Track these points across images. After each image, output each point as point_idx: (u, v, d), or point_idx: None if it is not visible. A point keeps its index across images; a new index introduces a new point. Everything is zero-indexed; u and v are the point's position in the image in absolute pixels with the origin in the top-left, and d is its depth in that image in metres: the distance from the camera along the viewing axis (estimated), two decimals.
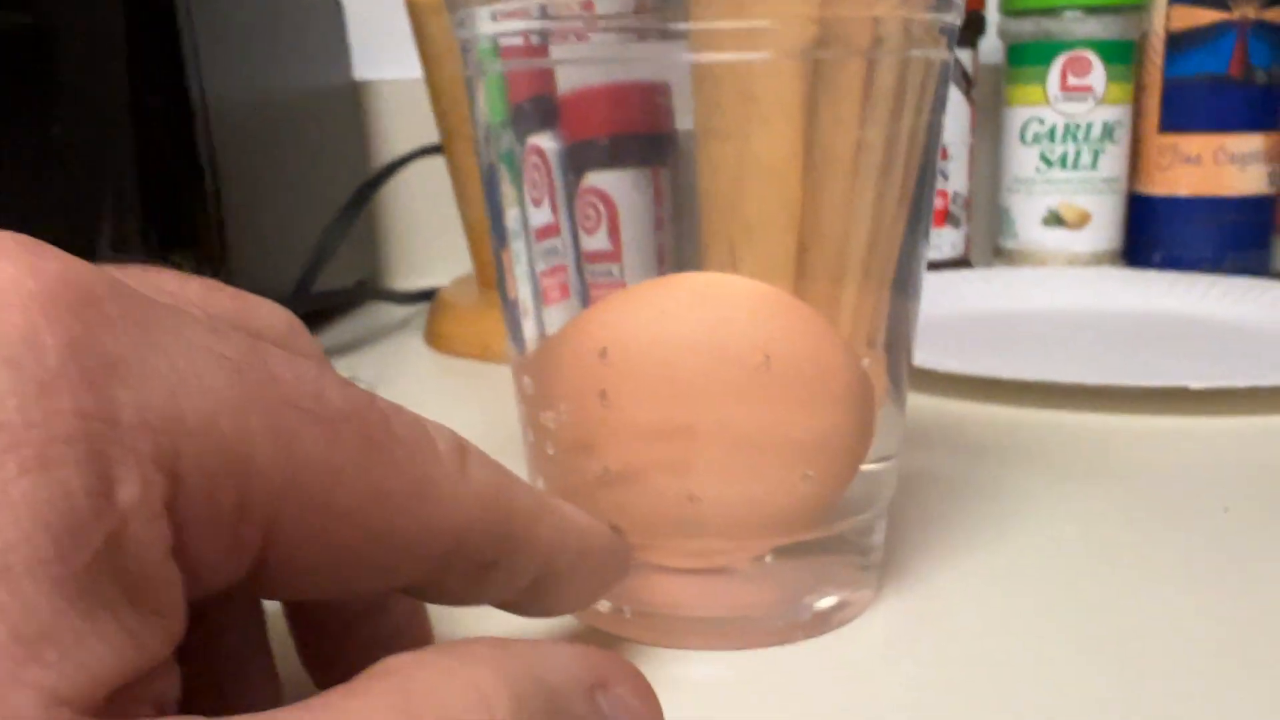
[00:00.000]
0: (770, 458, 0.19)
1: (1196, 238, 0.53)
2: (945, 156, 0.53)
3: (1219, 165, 0.52)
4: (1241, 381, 0.31)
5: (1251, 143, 0.51)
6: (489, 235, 0.22)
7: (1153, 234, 0.54)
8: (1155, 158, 0.53)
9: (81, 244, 0.37)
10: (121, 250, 0.37)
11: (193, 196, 0.39)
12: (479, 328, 0.44)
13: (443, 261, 0.62)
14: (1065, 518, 0.25)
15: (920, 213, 0.20)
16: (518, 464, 0.31)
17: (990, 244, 0.58)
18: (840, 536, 0.20)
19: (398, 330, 0.49)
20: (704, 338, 0.18)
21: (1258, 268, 0.53)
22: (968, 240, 0.55)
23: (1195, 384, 0.31)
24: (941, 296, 0.49)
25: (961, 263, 0.55)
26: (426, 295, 0.53)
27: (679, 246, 0.20)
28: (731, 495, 0.19)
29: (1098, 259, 0.54)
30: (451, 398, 0.39)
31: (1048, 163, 0.53)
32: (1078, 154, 0.52)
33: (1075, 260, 0.53)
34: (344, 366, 0.42)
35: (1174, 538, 0.24)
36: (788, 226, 0.19)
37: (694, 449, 0.19)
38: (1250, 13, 0.50)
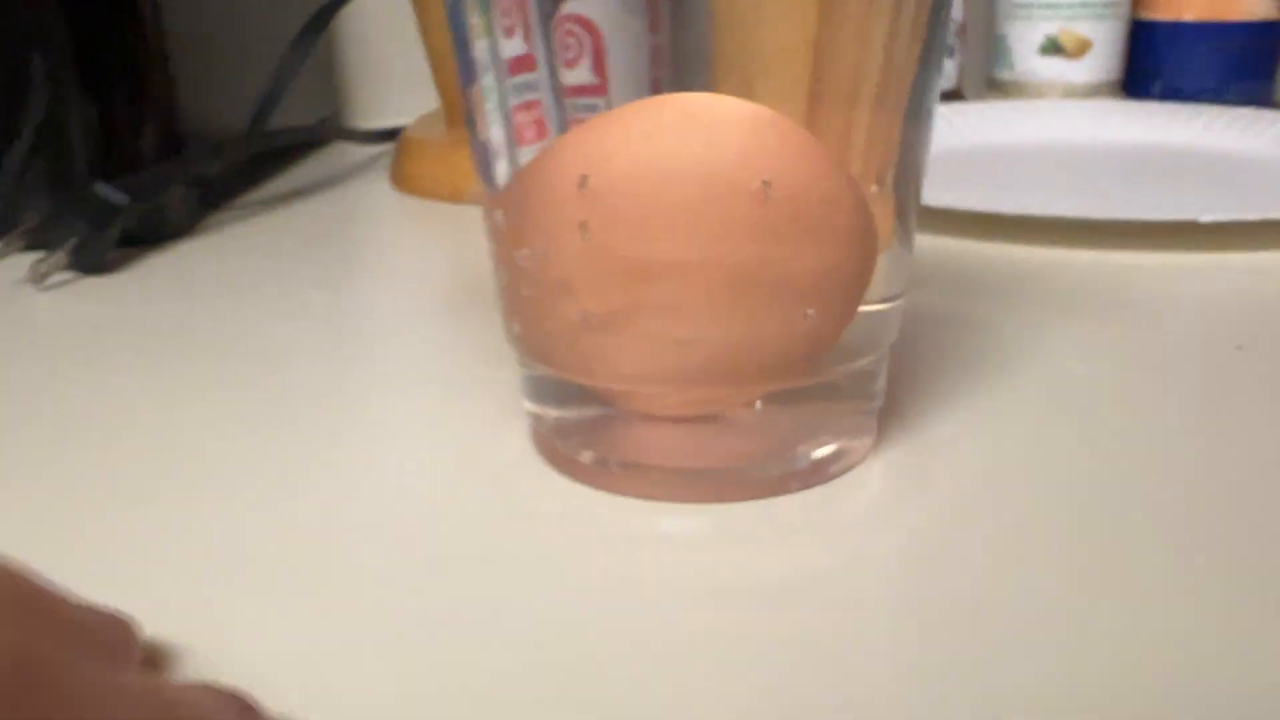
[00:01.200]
0: (767, 296, 0.17)
1: (1199, 66, 0.50)
2: None
3: None
4: (1252, 214, 0.30)
5: None
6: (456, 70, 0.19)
7: (1154, 62, 0.51)
8: None
9: (10, 85, 0.34)
10: (56, 92, 0.34)
11: (130, 26, 0.36)
12: (448, 167, 0.41)
13: (410, 97, 0.58)
14: (1068, 358, 0.24)
15: (934, 39, 0.18)
16: (489, 310, 0.29)
17: (984, 76, 0.55)
18: (839, 382, 0.19)
19: (362, 171, 0.46)
20: (694, 163, 0.16)
21: (1262, 98, 0.51)
22: (961, 71, 0.52)
23: (1205, 217, 0.30)
24: (933, 131, 0.47)
25: (954, 95, 0.52)
26: (392, 134, 0.51)
27: (680, 80, 0.17)
28: (725, 338, 0.17)
29: (1096, 90, 0.51)
30: (418, 241, 0.37)
31: None
32: None
33: (1072, 91, 0.51)
34: (306, 210, 0.40)
35: (1183, 377, 0.23)
36: (805, 54, 0.17)
37: (684, 287, 0.17)
38: None
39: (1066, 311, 0.27)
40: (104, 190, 0.33)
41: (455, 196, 0.41)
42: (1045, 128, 0.48)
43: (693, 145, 0.17)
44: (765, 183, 0.16)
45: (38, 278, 0.31)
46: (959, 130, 0.47)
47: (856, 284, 0.18)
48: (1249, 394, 0.22)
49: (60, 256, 0.31)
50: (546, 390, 0.20)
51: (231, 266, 0.33)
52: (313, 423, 0.22)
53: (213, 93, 0.40)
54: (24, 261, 0.32)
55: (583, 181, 0.17)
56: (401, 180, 0.43)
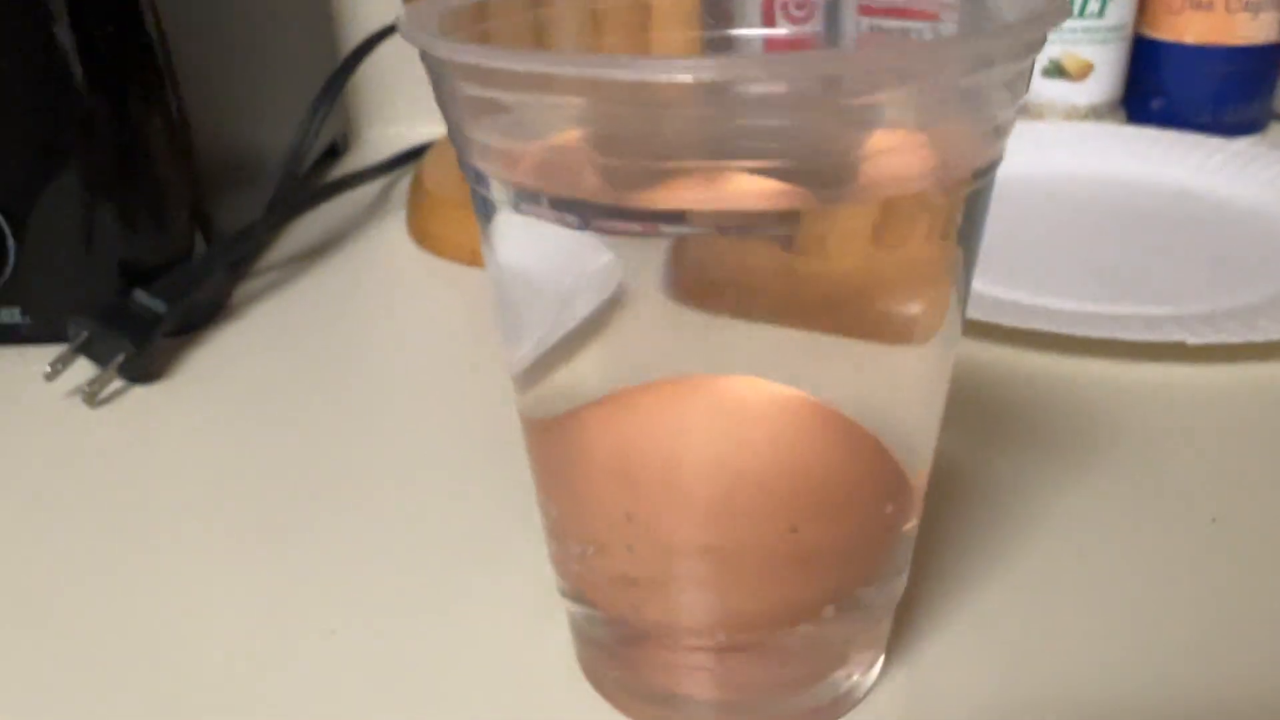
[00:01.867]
0: (801, 568, 0.19)
1: (1199, 88, 0.51)
2: (938, 18, 0.50)
3: (1231, 13, 0.49)
4: (1237, 337, 0.31)
5: None
6: None
7: (1154, 80, 0.52)
8: (1166, 0, 0.50)
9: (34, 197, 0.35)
10: (87, 201, 0.35)
11: (152, 117, 0.36)
12: (466, 230, 0.42)
13: (418, 102, 0.59)
14: (1070, 527, 0.26)
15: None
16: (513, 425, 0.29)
17: None
18: (864, 605, 0.21)
19: (378, 214, 0.47)
20: (725, 462, 0.18)
21: (1259, 118, 0.52)
22: None
23: (1191, 340, 0.31)
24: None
25: None
26: (405, 158, 0.51)
27: None
28: (761, 601, 0.19)
29: (1097, 111, 0.52)
30: (442, 306, 0.39)
31: None
32: (1085, 2, 0.49)
33: (1074, 113, 0.52)
34: (328, 275, 0.41)
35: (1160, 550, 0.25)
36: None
37: (721, 565, 0.19)
38: None
39: (1047, 439, 0.29)
40: (142, 299, 0.34)
41: (474, 260, 0.42)
42: (1044, 156, 0.49)
43: (724, 443, 0.18)
44: (793, 528, 0.18)
45: (91, 400, 0.32)
46: None
47: (889, 544, 0.20)
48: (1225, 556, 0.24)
49: (109, 373, 0.33)
50: (582, 613, 0.22)
51: (266, 360, 0.35)
52: (343, 603, 0.24)
53: (233, 151, 0.41)
54: (72, 368, 0.34)
55: (624, 474, 0.18)
56: (420, 236, 0.44)
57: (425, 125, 0.58)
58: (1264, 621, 0.23)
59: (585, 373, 0.19)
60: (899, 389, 0.19)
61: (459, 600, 0.24)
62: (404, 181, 0.51)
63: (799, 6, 0.52)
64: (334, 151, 0.55)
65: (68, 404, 0.33)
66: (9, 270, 0.35)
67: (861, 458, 0.19)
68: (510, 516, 0.27)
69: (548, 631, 0.23)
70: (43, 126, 0.34)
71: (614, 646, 0.21)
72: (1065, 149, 0.49)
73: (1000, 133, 0.18)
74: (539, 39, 0.22)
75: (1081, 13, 0.50)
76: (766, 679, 0.21)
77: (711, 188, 0.16)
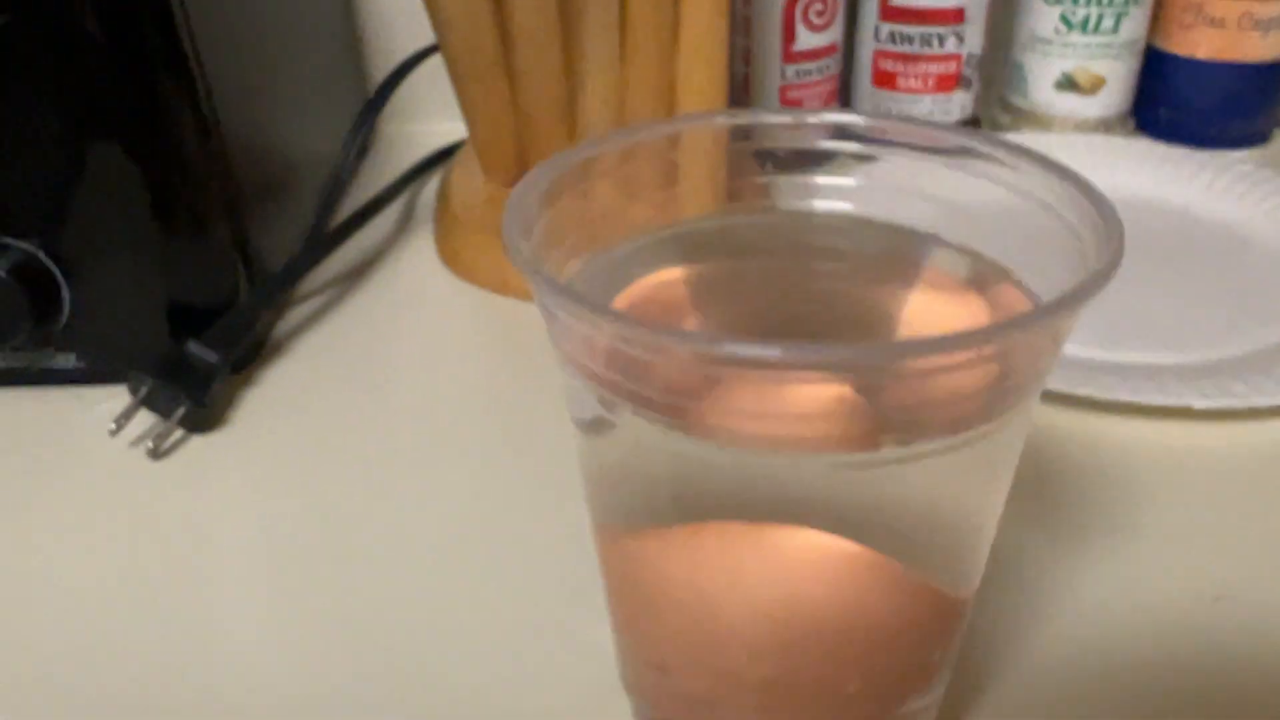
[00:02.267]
0: (853, 695, 0.21)
1: (1208, 101, 0.52)
2: (961, 19, 0.50)
3: (1242, 30, 0.50)
4: (1239, 402, 0.33)
5: (1277, 8, 0.49)
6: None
7: (1164, 91, 0.53)
8: (1179, 14, 0.51)
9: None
10: (137, 260, 0.36)
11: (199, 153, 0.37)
12: (494, 258, 0.44)
13: (437, 98, 0.59)
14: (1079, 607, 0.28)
15: None
16: (556, 411, 0.31)
17: (999, 97, 0.56)
18: (909, 712, 0.23)
19: (405, 230, 0.48)
20: (775, 610, 0.20)
21: (1264, 130, 0.53)
22: (978, 99, 0.54)
23: (1199, 403, 0.33)
24: None
25: (970, 125, 0.54)
26: (432, 162, 0.52)
27: None
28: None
29: (1106, 124, 0.53)
30: (480, 336, 0.40)
31: (1068, 24, 0.51)
32: (1100, 18, 0.50)
33: (1084, 125, 0.53)
34: (363, 295, 0.43)
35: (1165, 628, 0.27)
36: None
37: (776, 693, 0.21)
38: None
39: (1060, 512, 0.31)
40: (196, 350, 0.36)
41: (505, 289, 0.43)
42: None
43: (775, 592, 0.20)
44: (846, 664, 0.20)
45: (157, 454, 0.34)
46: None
47: (935, 670, 0.22)
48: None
49: (171, 425, 0.34)
50: (643, 711, 0.24)
51: (315, 397, 0.36)
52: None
53: (271, 188, 0.42)
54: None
55: (693, 605, 0.20)
56: (449, 260, 0.45)
57: (445, 121, 0.59)
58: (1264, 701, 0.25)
59: (663, 502, 0.21)
60: (953, 548, 0.21)
61: (515, 664, 0.26)
62: (429, 189, 0.52)
63: (819, 14, 0.53)
64: (360, 152, 0.56)
65: (131, 455, 0.34)
66: (65, 318, 0.36)
67: (915, 601, 0.21)
68: (568, 565, 0.29)
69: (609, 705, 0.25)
70: (91, 175, 0.35)
71: None
72: (1074, 163, 0.50)
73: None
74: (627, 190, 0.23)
75: (1096, 28, 0.50)
76: None
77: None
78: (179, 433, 0.35)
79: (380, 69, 0.58)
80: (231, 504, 0.33)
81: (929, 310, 0.23)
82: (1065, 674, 0.26)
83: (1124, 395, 0.33)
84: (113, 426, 0.34)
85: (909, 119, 0.23)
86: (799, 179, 0.24)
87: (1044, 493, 0.32)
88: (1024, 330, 0.17)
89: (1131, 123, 0.54)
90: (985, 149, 0.22)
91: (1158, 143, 0.52)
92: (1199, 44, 0.51)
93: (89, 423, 0.36)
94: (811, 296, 0.23)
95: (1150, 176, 0.49)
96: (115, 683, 0.27)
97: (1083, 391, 0.34)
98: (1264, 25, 0.50)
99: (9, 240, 0.35)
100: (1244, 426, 0.34)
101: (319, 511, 0.32)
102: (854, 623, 0.20)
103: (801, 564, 0.20)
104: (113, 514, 0.32)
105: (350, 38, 0.56)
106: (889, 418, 0.18)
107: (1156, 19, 0.52)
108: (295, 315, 0.42)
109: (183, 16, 0.35)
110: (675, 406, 0.18)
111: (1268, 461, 0.33)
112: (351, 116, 0.51)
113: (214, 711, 0.26)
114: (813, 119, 0.23)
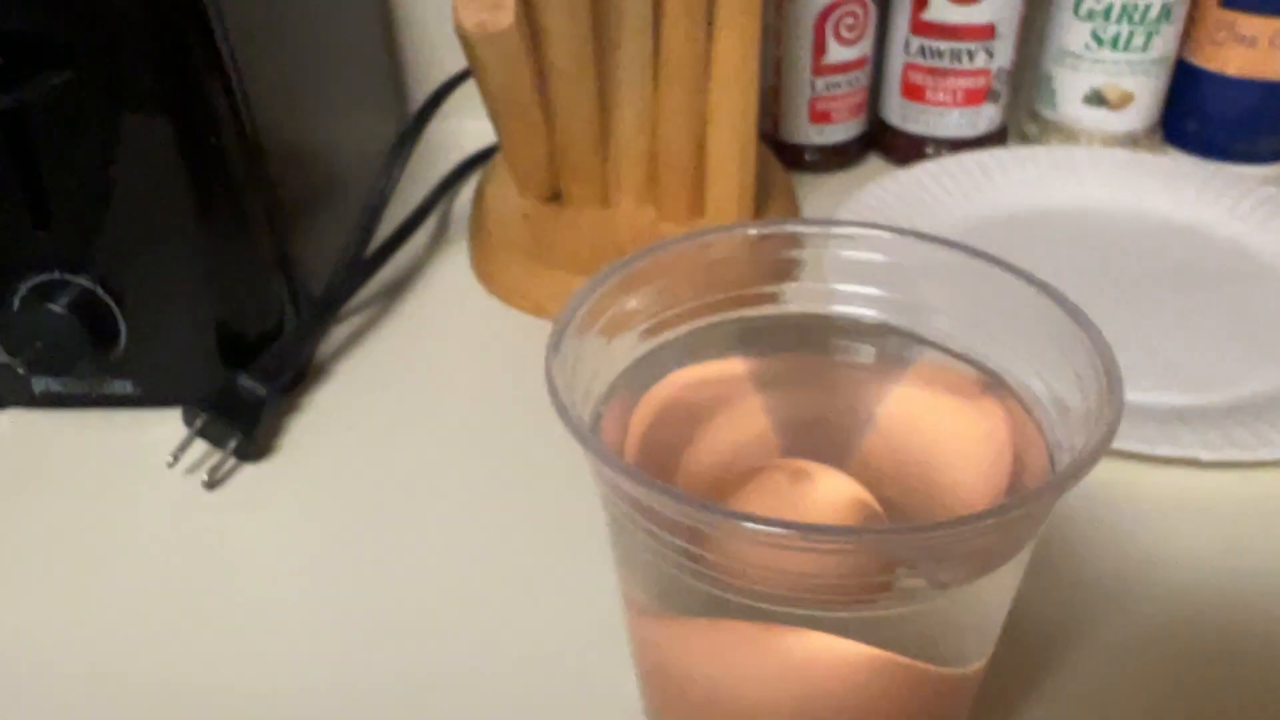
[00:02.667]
0: None
1: (1236, 116, 0.52)
2: (992, 35, 0.51)
3: (1274, 48, 0.50)
4: (1247, 455, 0.34)
5: None
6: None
7: (1193, 103, 0.53)
8: (1211, 31, 0.51)
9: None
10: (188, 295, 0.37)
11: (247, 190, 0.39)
12: (529, 280, 0.45)
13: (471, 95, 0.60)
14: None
15: None
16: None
17: (1028, 108, 0.56)
18: None
19: (440, 243, 0.50)
20: (804, 705, 0.22)
21: None
22: (1006, 110, 0.54)
23: (1204, 455, 0.35)
24: (968, 182, 0.50)
25: (998, 136, 0.54)
26: (469, 165, 0.53)
27: None
28: None
29: (1134, 138, 0.53)
30: (515, 356, 0.42)
31: (1099, 41, 0.51)
32: (1130, 35, 0.50)
33: (1110, 140, 0.53)
34: (400, 314, 0.44)
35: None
36: None
37: None
38: None
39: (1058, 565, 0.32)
40: (246, 384, 0.37)
41: (540, 313, 0.45)
42: (1079, 186, 0.51)
43: (789, 688, 0.22)
44: None
45: (212, 484, 0.36)
46: (995, 183, 0.50)
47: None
48: None
49: (225, 456, 0.36)
50: None
51: (359, 420, 0.38)
52: None
53: (313, 213, 0.43)
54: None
55: (713, 691, 0.22)
56: (484, 278, 0.47)
57: (477, 119, 0.60)
58: None
59: (684, 596, 0.23)
60: (969, 646, 0.22)
61: (546, 690, 0.28)
62: (464, 194, 0.53)
63: (850, 29, 0.53)
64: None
65: (187, 482, 0.36)
66: (121, 348, 0.38)
67: (926, 687, 0.23)
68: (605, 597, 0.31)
69: None
70: (141, 210, 0.37)
71: None
72: (1099, 179, 0.51)
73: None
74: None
75: (1126, 46, 0.51)
76: None
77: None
78: (232, 461, 0.37)
79: (418, 82, 0.59)
80: (283, 529, 0.35)
81: (953, 417, 0.24)
82: None
83: (1133, 445, 0.35)
84: (170, 460, 0.36)
85: (935, 240, 0.24)
86: (819, 286, 0.25)
87: (1055, 557, 0.33)
88: (1041, 499, 0.18)
89: (1159, 135, 0.55)
90: (1004, 273, 0.23)
91: (1183, 159, 0.52)
92: (1229, 60, 0.51)
93: (146, 447, 0.38)
94: (837, 399, 0.25)
95: (1172, 197, 0.49)
96: (165, 705, 0.29)
97: None
98: None
99: (68, 277, 0.37)
100: (1249, 475, 0.35)
101: (364, 537, 0.34)
102: (866, 714, 0.22)
103: (815, 664, 0.22)
104: (170, 540, 0.34)
105: (390, 54, 0.57)
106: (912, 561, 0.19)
107: (1188, 34, 0.52)
108: (336, 336, 0.44)
109: (229, 53, 0.36)
110: (691, 553, 0.19)
111: (1269, 515, 0.34)
112: (390, 131, 0.53)
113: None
114: (838, 230, 0.24)
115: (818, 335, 0.25)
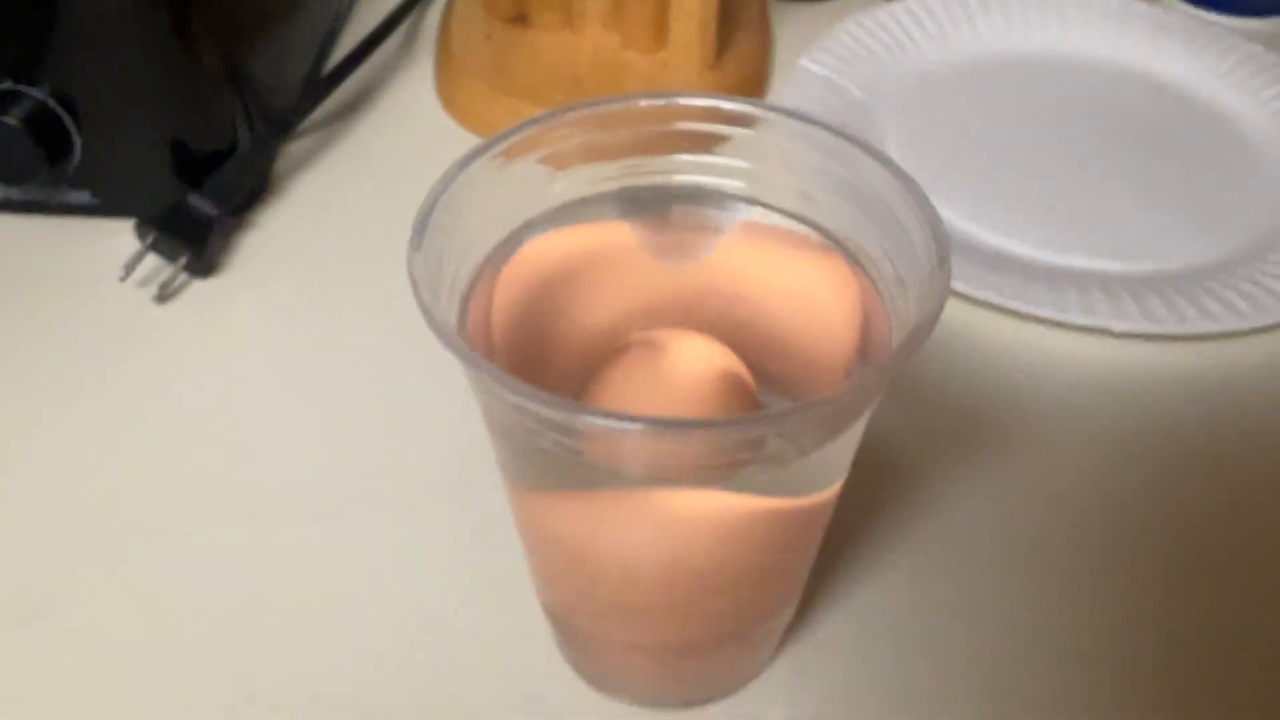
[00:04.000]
0: (727, 618, 0.25)
1: None
2: None
3: None
4: (1158, 327, 0.35)
5: None
6: None
7: None
8: None
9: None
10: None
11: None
12: (490, 106, 0.45)
13: None
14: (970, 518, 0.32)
15: None
16: None
17: None
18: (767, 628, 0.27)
19: (403, 63, 0.49)
20: (675, 561, 0.24)
21: None
22: None
23: (1117, 326, 0.35)
24: (947, 21, 0.49)
25: None
26: None
27: None
28: (695, 636, 0.26)
29: None
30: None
31: None
32: None
33: None
34: (359, 134, 0.45)
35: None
36: None
37: (665, 619, 0.25)
38: None
39: (957, 420, 0.34)
40: (197, 202, 0.38)
41: None
42: (1062, 32, 0.49)
43: (671, 547, 0.24)
44: (722, 595, 0.24)
45: (162, 297, 0.38)
46: (975, 25, 0.49)
47: (795, 585, 0.26)
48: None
49: (175, 271, 0.38)
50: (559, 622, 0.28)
51: (310, 241, 0.40)
52: None
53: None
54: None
55: (588, 562, 0.24)
56: (446, 103, 0.46)
57: None
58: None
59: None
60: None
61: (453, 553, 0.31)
62: (432, 11, 0.52)
63: None
64: None
65: (139, 294, 0.38)
66: (76, 160, 0.39)
67: (780, 522, 0.25)
68: None
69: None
70: (95, 21, 0.37)
71: (584, 644, 0.28)
72: (1084, 26, 0.49)
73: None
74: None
75: None
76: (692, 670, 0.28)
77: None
78: (183, 276, 0.39)
79: None
80: (231, 343, 0.37)
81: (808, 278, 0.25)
82: (915, 591, 0.30)
83: (1048, 312, 0.36)
84: (122, 273, 0.37)
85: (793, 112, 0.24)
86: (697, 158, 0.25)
87: (945, 401, 0.35)
88: (880, 375, 0.20)
89: None
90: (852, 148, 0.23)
91: (1175, 10, 0.50)
92: None
93: (100, 258, 0.39)
94: (701, 266, 0.26)
95: (1155, 49, 0.48)
96: (119, 514, 0.32)
97: (1011, 304, 0.36)
98: None
99: (21, 88, 0.37)
100: (1162, 348, 0.36)
101: (307, 354, 0.36)
102: (732, 553, 0.24)
103: (682, 519, 0.24)
104: (123, 350, 0.36)
105: None
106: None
107: None
108: (293, 153, 0.44)
109: None
110: (564, 442, 0.21)
111: (1172, 385, 0.35)
112: None
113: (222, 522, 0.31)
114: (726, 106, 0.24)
115: (684, 203, 0.26)
